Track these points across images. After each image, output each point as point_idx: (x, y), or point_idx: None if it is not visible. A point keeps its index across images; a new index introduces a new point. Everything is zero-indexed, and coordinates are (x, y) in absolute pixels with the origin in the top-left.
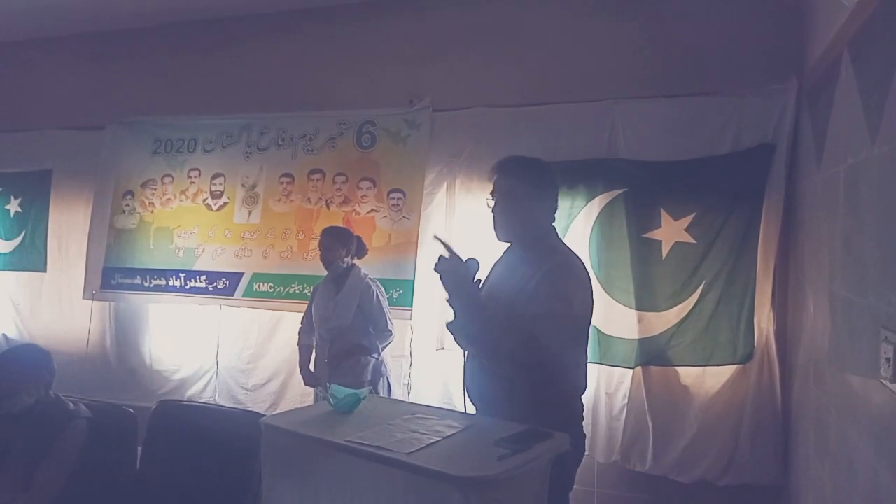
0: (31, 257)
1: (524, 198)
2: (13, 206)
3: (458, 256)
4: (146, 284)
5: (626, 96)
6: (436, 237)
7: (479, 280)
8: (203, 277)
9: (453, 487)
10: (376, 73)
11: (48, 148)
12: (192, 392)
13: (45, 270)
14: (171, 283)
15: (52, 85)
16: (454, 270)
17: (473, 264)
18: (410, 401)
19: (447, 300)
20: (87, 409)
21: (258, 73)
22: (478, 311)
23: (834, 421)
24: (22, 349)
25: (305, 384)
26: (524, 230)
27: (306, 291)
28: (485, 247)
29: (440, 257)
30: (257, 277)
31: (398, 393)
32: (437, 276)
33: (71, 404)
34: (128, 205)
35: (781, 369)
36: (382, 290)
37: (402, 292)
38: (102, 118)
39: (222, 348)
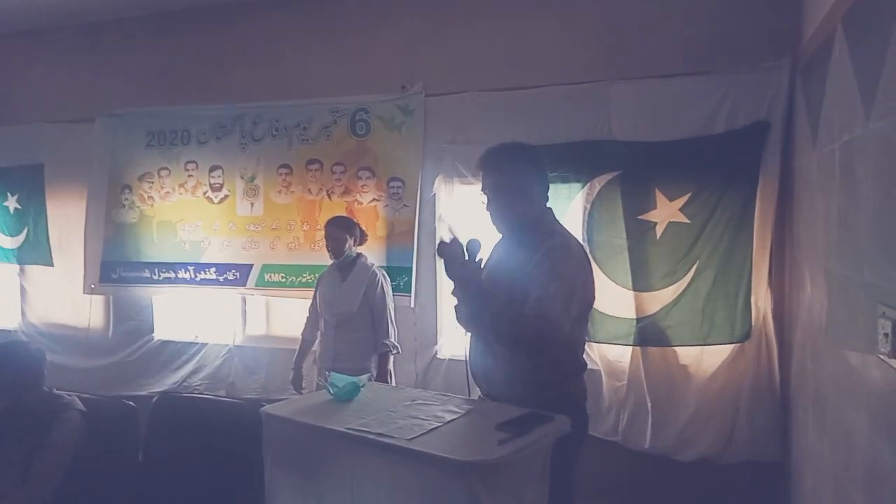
0: (38, 252)
1: (514, 189)
2: (12, 203)
3: (458, 240)
4: (155, 277)
5: (619, 77)
6: (449, 228)
7: (481, 260)
8: (213, 269)
9: (455, 472)
10: (368, 59)
11: (38, 142)
12: (197, 381)
13: (52, 264)
14: (180, 276)
15: (39, 78)
16: (456, 253)
17: (475, 244)
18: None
19: (453, 286)
20: (85, 402)
21: (248, 61)
22: (480, 298)
23: (832, 397)
24: (8, 348)
25: (290, 381)
26: (520, 219)
27: None
28: (484, 230)
29: (441, 241)
30: (267, 268)
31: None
32: (442, 259)
33: (65, 397)
34: (126, 199)
35: (779, 347)
36: (388, 281)
37: (407, 279)
38: (91, 111)
39: (229, 336)
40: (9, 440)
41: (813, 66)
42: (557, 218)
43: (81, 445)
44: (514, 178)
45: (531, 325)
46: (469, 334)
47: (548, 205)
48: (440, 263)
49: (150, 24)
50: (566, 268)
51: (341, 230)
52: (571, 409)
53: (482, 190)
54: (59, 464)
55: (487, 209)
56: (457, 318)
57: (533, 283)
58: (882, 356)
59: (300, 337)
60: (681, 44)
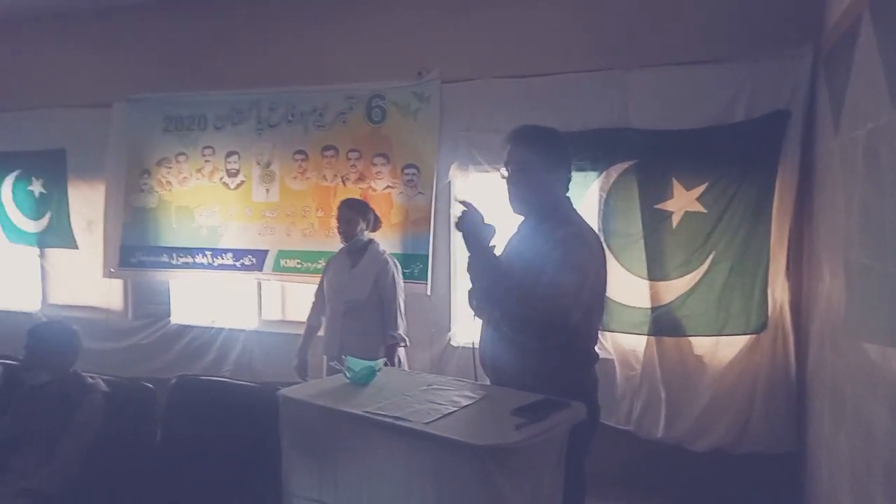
0: (60, 236)
1: (538, 169)
2: (37, 188)
3: (480, 213)
4: (173, 262)
5: (637, 65)
6: (460, 200)
7: (494, 247)
8: (230, 255)
9: (471, 456)
10: (384, 45)
11: (59, 126)
12: (225, 368)
13: (76, 247)
14: (198, 261)
15: (58, 62)
16: (477, 227)
17: (490, 230)
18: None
19: (468, 262)
20: (105, 384)
21: (264, 47)
22: (497, 272)
23: (850, 388)
24: (51, 326)
25: (295, 368)
26: (538, 202)
27: None
28: (499, 219)
29: (463, 212)
30: (283, 254)
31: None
32: (461, 233)
33: (89, 379)
34: (145, 184)
35: (796, 338)
36: (399, 269)
37: (422, 267)
38: (110, 96)
39: (245, 321)
40: (36, 419)
41: (836, 52)
42: (576, 206)
43: (103, 428)
44: (539, 157)
45: (541, 307)
46: (480, 322)
47: (567, 194)
48: (454, 252)
49: (167, 8)
50: (579, 257)
51: (354, 212)
52: (582, 399)
53: (505, 164)
54: (82, 446)
55: (508, 184)
56: (469, 300)
57: (545, 268)
58: None
59: (306, 324)
60: (700, 31)
